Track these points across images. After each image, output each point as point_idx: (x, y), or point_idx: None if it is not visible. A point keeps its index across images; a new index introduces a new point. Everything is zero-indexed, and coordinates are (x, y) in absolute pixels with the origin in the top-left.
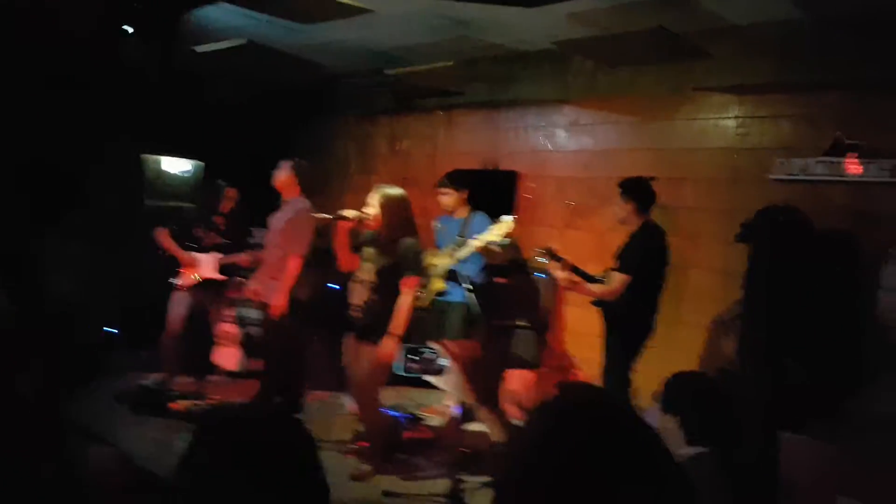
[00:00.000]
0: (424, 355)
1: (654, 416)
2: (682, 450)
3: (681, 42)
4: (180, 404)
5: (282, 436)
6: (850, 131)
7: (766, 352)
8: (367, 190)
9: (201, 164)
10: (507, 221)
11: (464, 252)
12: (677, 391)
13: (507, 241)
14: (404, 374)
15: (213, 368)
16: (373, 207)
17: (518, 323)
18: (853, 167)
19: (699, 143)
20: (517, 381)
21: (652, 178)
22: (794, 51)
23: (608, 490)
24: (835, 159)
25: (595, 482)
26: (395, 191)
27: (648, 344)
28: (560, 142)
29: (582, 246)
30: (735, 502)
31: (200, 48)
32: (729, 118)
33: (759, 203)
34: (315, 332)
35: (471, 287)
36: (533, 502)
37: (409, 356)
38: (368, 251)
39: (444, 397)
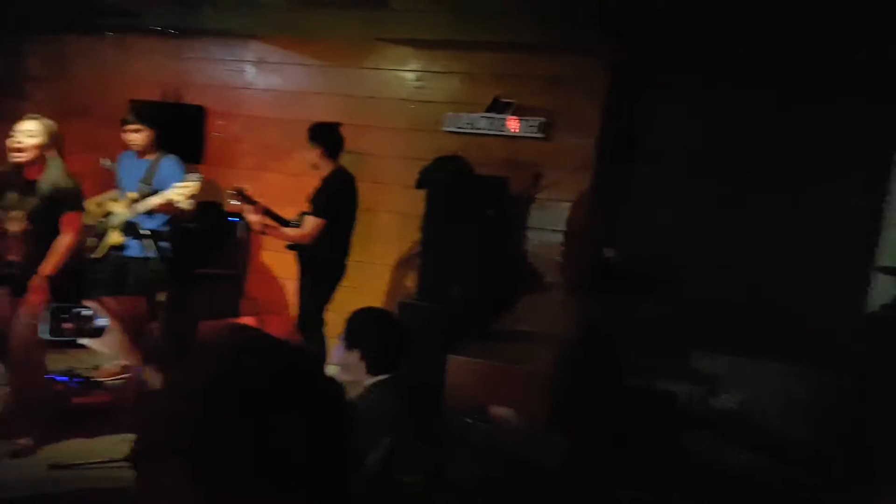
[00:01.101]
0: (79, 314)
1: (340, 353)
2: (367, 380)
3: None
4: None
5: None
6: (507, 91)
7: (440, 284)
8: (16, 119)
9: None
10: (193, 182)
11: (145, 206)
12: (356, 326)
13: (191, 202)
14: (52, 338)
15: None
16: (26, 138)
17: (212, 271)
18: (509, 123)
19: (383, 93)
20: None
21: (338, 124)
22: (463, 10)
23: (266, 426)
24: (495, 115)
25: (253, 420)
26: (47, 121)
27: (341, 285)
28: (249, 79)
29: (277, 189)
30: (408, 418)
31: None
32: (408, 71)
33: (434, 152)
34: None
35: (152, 237)
36: (192, 449)
37: (60, 316)
38: (11, 196)
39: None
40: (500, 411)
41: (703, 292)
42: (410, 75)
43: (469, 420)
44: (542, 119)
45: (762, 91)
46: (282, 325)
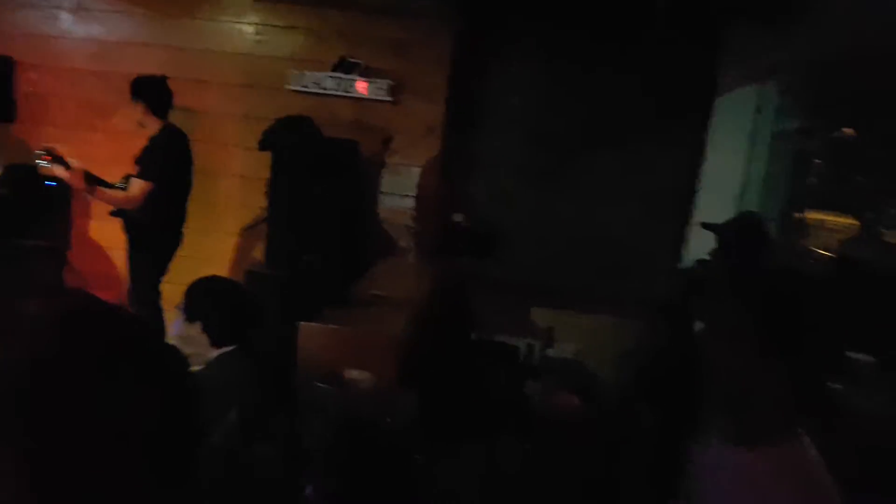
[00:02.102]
0: None
1: (179, 326)
2: (211, 352)
3: None
4: None
5: None
6: (354, 51)
7: (289, 251)
8: None
9: None
10: None
11: None
12: (196, 298)
13: None
14: None
15: None
16: None
17: (28, 242)
18: (357, 84)
19: (219, 46)
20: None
21: (164, 78)
22: None
23: (102, 401)
24: (342, 76)
25: (88, 395)
26: None
27: (178, 255)
28: (66, 27)
29: (100, 149)
30: (257, 389)
31: None
32: (247, 24)
33: (278, 112)
34: None
35: None
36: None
37: None
38: None
39: None
40: (354, 375)
41: (543, 252)
42: (250, 28)
43: (322, 385)
44: (390, 82)
45: (592, 59)
46: (113, 300)
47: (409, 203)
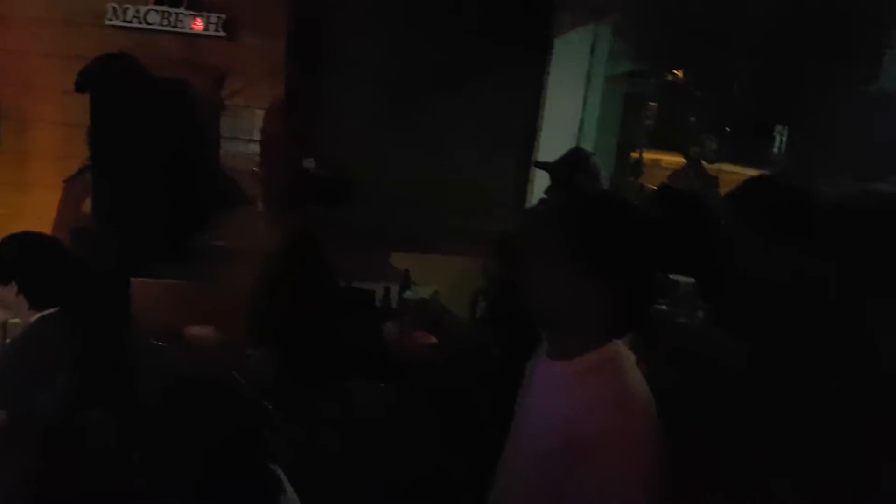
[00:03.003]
0: None
1: None
2: (31, 316)
3: None
4: None
5: None
6: None
7: (118, 203)
8: None
9: None
10: None
11: None
12: (7, 257)
13: None
14: None
15: None
16: None
17: None
18: (186, 19)
19: None
20: None
21: None
22: None
23: None
24: (168, 9)
25: None
26: None
27: None
28: None
29: None
30: (85, 352)
31: None
32: None
33: (97, 50)
34: None
35: None
36: None
37: None
38: None
39: None
40: (195, 331)
41: (396, 196)
42: None
43: (160, 344)
44: (223, 16)
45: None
46: None
47: (254, 148)
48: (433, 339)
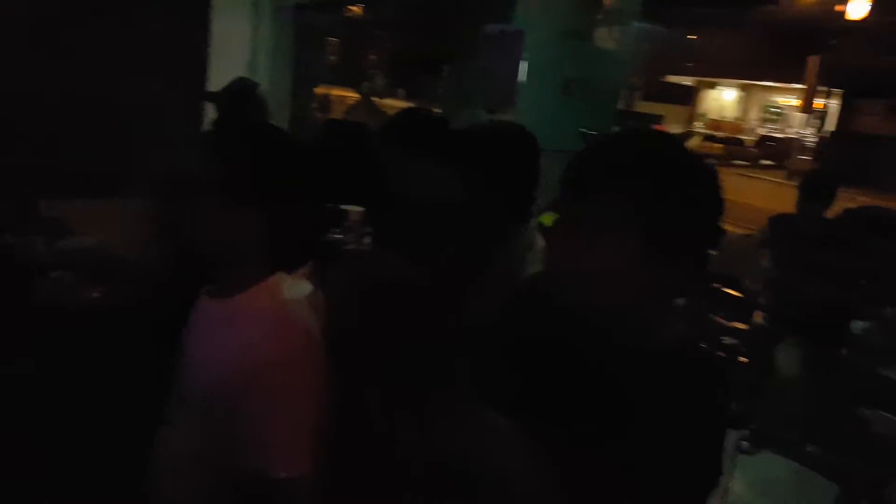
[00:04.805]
0: None
1: None
2: None
3: None
4: None
5: None
6: None
7: None
8: None
9: None
10: None
11: None
12: None
13: None
14: None
15: None
16: None
17: None
18: None
19: None
20: None
21: None
22: None
23: None
24: None
25: None
26: None
27: None
28: None
29: None
30: None
31: None
32: None
33: None
34: None
35: None
36: None
37: None
38: None
39: None
40: None
41: (56, 135)
42: None
43: None
44: None
45: None
46: None
47: None
48: (98, 291)
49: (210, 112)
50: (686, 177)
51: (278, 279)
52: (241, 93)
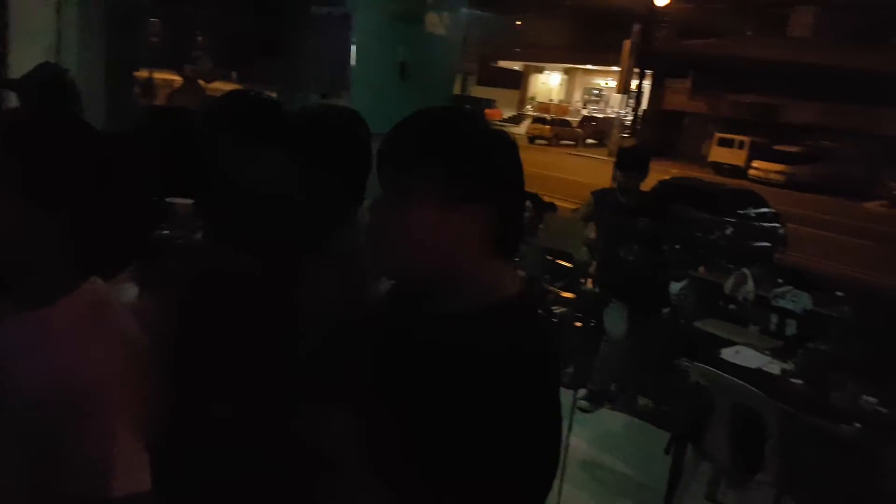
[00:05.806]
0: None
1: None
2: None
3: None
4: None
5: None
6: None
7: None
8: None
9: None
10: None
11: None
12: None
13: None
14: None
15: None
16: None
17: None
18: None
19: None
20: None
21: None
22: None
23: None
24: None
25: None
26: None
27: None
28: None
29: None
30: None
31: None
32: None
33: None
34: None
35: None
36: None
37: None
38: None
39: None
40: None
41: None
42: None
43: None
44: None
45: None
46: None
47: None
48: None
49: (9, 102)
50: (486, 146)
51: (93, 286)
52: (44, 79)
